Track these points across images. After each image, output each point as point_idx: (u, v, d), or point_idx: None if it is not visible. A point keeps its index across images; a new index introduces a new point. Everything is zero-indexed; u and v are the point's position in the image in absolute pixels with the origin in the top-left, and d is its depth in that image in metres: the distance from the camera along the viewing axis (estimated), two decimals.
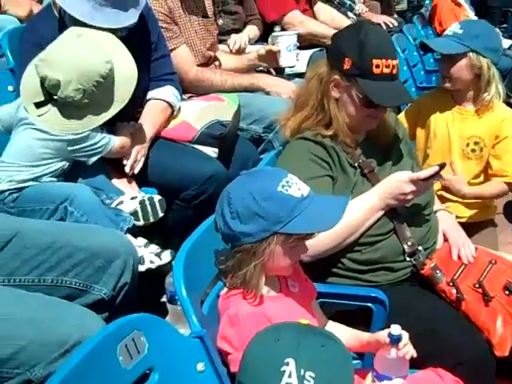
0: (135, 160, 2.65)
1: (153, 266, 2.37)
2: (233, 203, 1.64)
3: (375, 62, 2.12)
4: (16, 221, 2.10)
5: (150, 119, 2.77)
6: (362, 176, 2.24)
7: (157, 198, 2.50)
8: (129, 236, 2.35)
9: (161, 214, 2.49)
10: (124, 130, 2.61)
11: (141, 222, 2.44)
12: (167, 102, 2.84)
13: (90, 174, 2.51)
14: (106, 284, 2.03)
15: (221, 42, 3.72)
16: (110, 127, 2.58)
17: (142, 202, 2.47)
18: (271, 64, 3.57)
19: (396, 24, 5.72)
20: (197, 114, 2.86)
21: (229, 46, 3.73)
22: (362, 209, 2.16)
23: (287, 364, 1.42)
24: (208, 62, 3.44)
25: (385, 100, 2.17)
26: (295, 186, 1.65)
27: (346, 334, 1.87)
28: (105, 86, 2.41)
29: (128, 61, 2.51)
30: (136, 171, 2.66)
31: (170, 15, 3.19)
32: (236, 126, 2.99)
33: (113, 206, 2.45)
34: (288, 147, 2.27)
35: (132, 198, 2.49)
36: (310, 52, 3.83)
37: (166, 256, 2.39)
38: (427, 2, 7.29)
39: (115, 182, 2.61)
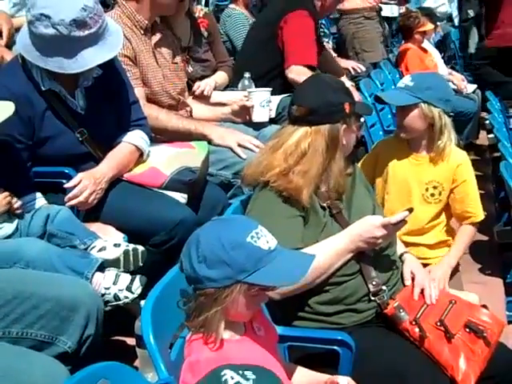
0: (86, 200, 2.65)
1: (127, 301, 2.40)
2: (201, 247, 1.68)
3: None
4: None
5: (112, 160, 2.78)
6: (331, 216, 2.31)
7: (140, 248, 2.52)
8: (97, 275, 2.36)
9: (141, 264, 2.51)
10: None
11: (119, 270, 2.45)
12: (134, 146, 2.88)
13: (60, 218, 2.52)
14: (70, 336, 2.03)
15: (190, 88, 3.79)
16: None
17: (126, 252, 2.47)
18: (244, 119, 3.63)
19: (364, 69, 5.85)
20: (166, 160, 2.91)
21: (193, 92, 3.80)
22: (332, 250, 2.23)
23: None
24: (178, 105, 3.50)
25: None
26: (264, 239, 1.70)
27: (309, 378, 1.91)
28: None
29: None
30: (83, 209, 2.67)
31: (133, 58, 3.26)
32: (205, 172, 3.05)
33: (92, 252, 2.45)
34: (262, 190, 2.32)
35: (115, 245, 2.50)
36: (279, 97, 3.91)
37: (137, 286, 2.41)
38: (394, 48, 7.49)
39: (89, 225, 2.63)
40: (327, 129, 2.28)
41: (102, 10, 2.66)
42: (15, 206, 2.47)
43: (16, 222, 2.50)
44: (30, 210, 2.55)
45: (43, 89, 2.65)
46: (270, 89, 3.73)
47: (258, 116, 3.60)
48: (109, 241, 2.53)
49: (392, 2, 6.62)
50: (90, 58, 2.59)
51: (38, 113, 2.65)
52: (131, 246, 2.51)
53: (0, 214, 2.42)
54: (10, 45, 3.63)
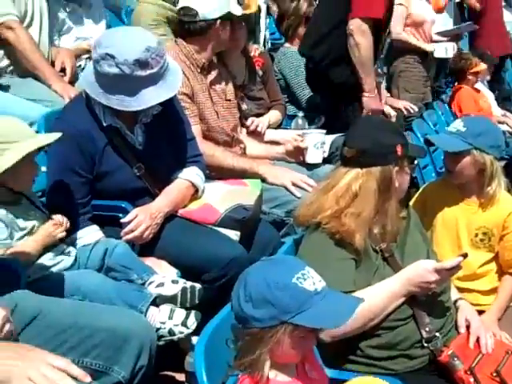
0: (141, 235, 2.70)
1: (182, 336, 2.42)
2: (248, 287, 1.70)
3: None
4: (40, 299, 2.14)
5: (168, 196, 2.83)
6: (383, 260, 2.30)
7: (198, 286, 2.55)
8: (152, 309, 2.39)
9: (197, 302, 2.53)
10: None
11: (176, 306, 2.48)
12: (190, 182, 2.93)
13: (117, 252, 2.57)
14: (124, 366, 2.06)
15: (243, 126, 3.84)
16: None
17: (183, 290, 2.50)
18: (297, 159, 3.66)
19: (416, 109, 5.84)
20: (220, 198, 2.94)
21: (247, 127, 3.85)
22: (384, 294, 2.22)
23: None
24: (232, 142, 3.55)
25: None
26: (310, 280, 1.70)
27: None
28: None
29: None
30: (138, 243, 2.71)
31: (190, 96, 3.33)
32: (258, 211, 3.06)
33: (150, 287, 2.48)
34: (314, 231, 2.32)
35: (173, 282, 2.53)
36: (332, 137, 3.93)
37: (192, 322, 2.43)
38: (447, 88, 7.46)
39: (144, 259, 2.67)
40: (379, 171, 2.28)
41: (164, 50, 2.73)
42: (59, 234, 2.50)
43: (74, 254, 2.55)
44: (88, 243, 2.60)
45: (104, 124, 2.72)
46: (325, 131, 3.76)
47: (312, 157, 3.63)
48: (166, 277, 2.56)
49: (445, 39, 6.59)
50: (150, 97, 2.66)
51: (99, 148, 2.72)
52: (189, 284, 2.53)
53: (51, 241, 2.48)
54: (73, 81, 3.75)
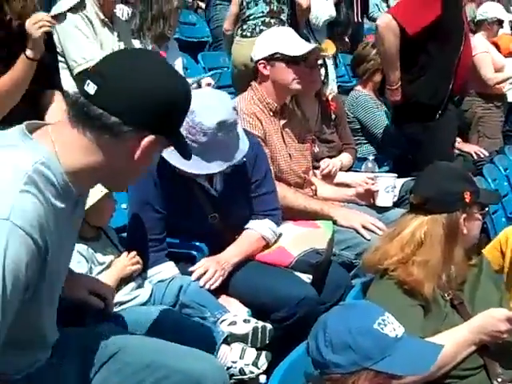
0: (209, 278, 2.73)
1: (253, 376, 2.46)
2: (328, 332, 1.70)
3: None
4: (122, 337, 2.18)
5: (237, 247, 2.89)
6: (452, 307, 2.29)
7: (269, 326, 2.58)
8: (223, 347, 2.43)
9: (267, 342, 2.56)
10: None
11: (247, 345, 2.51)
12: (261, 235, 2.96)
13: (192, 289, 2.63)
14: None
15: (315, 168, 3.88)
16: None
17: (255, 329, 2.54)
18: (368, 201, 3.69)
19: (487, 154, 5.78)
20: (294, 241, 2.99)
21: (320, 170, 3.89)
22: (454, 342, 2.19)
23: None
24: (303, 184, 3.59)
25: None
26: (391, 326, 1.71)
27: None
28: None
29: None
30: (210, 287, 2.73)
31: (263, 138, 3.37)
32: (330, 254, 3.09)
33: (222, 325, 2.52)
34: (382, 278, 2.34)
35: (245, 321, 2.57)
36: (402, 181, 3.94)
37: (263, 362, 2.47)
38: None
39: (219, 298, 2.73)
40: (444, 218, 2.28)
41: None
42: (134, 267, 2.57)
43: (150, 290, 2.62)
44: (164, 279, 2.67)
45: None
46: (396, 175, 3.78)
47: (383, 201, 3.64)
48: (238, 316, 2.60)
49: None
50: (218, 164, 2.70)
51: (176, 188, 2.79)
52: (260, 324, 2.57)
53: (126, 275, 2.54)
54: None
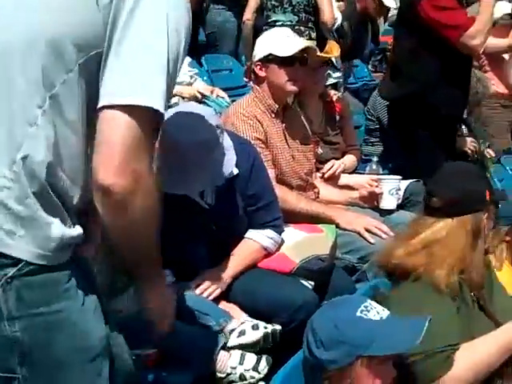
0: (207, 296, 2.67)
1: (253, 381, 2.42)
2: (317, 332, 1.73)
3: None
4: None
5: (236, 260, 2.82)
6: (480, 309, 2.23)
7: (278, 328, 2.53)
8: (221, 354, 2.39)
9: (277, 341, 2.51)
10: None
11: (253, 353, 2.46)
12: (260, 245, 2.88)
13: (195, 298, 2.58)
14: None
15: (318, 170, 3.85)
16: None
17: (265, 335, 2.49)
18: (371, 204, 3.65)
19: (493, 155, 5.72)
20: (295, 247, 2.93)
21: (322, 172, 3.85)
22: (493, 347, 2.10)
23: None
24: (306, 186, 3.55)
25: None
26: (374, 310, 1.73)
27: None
28: None
29: None
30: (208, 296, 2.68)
31: (264, 140, 3.33)
32: (333, 260, 3.03)
33: (232, 337, 2.47)
34: (404, 283, 2.22)
35: (253, 328, 2.51)
36: (406, 183, 3.91)
37: (264, 367, 2.43)
38: None
39: (222, 305, 2.68)
40: (470, 219, 2.21)
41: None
42: None
43: None
44: None
45: None
46: (400, 177, 3.74)
47: (387, 203, 3.61)
48: (246, 323, 2.54)
49: None
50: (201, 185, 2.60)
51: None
52: (270, 328, 2.51)
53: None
54: None
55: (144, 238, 1.55)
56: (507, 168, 5.69)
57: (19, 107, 1.44)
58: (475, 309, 2.22)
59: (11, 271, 1.41)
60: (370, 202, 3.64)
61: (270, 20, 5.23)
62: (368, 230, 3.31)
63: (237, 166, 2.74)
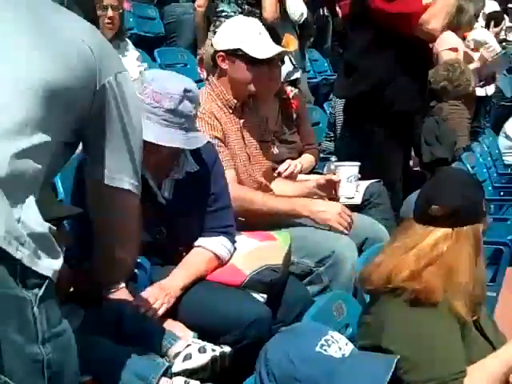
0: (153, 312, 2.45)
1: None
2: (270, 365, 1.60)
3: None
4: None
5: (187, 269, 2.62)
6: (476, 330, 2.12)
7: (228, 350, 2.27)
8: (163, 381, 2.12)
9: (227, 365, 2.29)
10: None
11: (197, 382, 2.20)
12: (214, 253, 2.69)
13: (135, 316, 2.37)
14: None
15: (274, 170, 3.68)
16: None
17: (213, 359, 2.22)
18: (329, 193, 3.46)
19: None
20: (246, 257, 2.73)
21: (279, 172, 3.69)
22: (501, 367, 1.99)
23: None
24: (259, 188, 3.34)
25: None
26: (335, 346, 1.59)
27: None
28: None
29: None
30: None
31: (222, 139, 3.17)
32: (287, 270, 2.84)
33: (176, 362, 2.24)
34: (394, 302, 2.06)
35: (200, 351, 2.26)
36: (367, 183, 3.76)
37: None
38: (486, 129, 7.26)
39: (166, 323, 2.46)
40: (470, 230, 2.09)
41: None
42: None
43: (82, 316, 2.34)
44: None
45: None
46: (358, 163, 3.61)
47: (345, 191, 3.48)
48: (192, 345, 2.30)
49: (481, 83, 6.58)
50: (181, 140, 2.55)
51: None
52: (218, 351, 2.26)
53: None
54: None
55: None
56: (468, 166, 5.63)
57: None
58: (473, 331, 2.10)
59: (41, 291, 1.40)
60: (328, 190, 3.44)
61: (217, 9, 5.24)
62: (340, 223, 3.09)
63: (197, 162, 2.66)
